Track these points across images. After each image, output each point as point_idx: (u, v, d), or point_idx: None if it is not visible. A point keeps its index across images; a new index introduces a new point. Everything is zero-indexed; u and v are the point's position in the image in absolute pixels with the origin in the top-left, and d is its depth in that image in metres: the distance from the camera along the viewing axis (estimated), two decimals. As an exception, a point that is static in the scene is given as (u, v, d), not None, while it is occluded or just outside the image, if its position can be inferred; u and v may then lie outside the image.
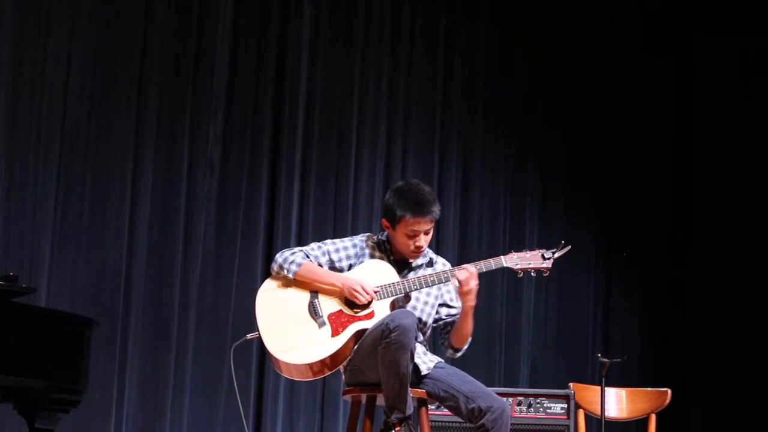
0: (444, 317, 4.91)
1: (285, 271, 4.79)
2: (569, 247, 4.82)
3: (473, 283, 4.70)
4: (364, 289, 4.70)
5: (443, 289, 4.90)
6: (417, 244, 4.78)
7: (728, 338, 8.03)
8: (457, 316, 4.88)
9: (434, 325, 4.93)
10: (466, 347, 4.91)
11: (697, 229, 8.37)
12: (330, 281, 4.77)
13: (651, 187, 8.40)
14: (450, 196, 7.83)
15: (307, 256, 4.82)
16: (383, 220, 4.84)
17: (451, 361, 5.07)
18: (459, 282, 4.70)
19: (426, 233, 4.79)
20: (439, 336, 4.95)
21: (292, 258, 4.80)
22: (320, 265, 4.83)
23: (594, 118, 8.34)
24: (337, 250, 4.88)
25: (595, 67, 8.35)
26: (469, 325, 4.81)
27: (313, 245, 4.91)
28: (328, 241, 4.95)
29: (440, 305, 4.91)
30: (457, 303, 4.89)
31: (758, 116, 8.10)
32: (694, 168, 8.45)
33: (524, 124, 8.21)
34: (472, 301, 4.74)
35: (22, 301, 4.66)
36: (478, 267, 4.75)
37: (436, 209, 4.77)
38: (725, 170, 8.24)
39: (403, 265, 4.87)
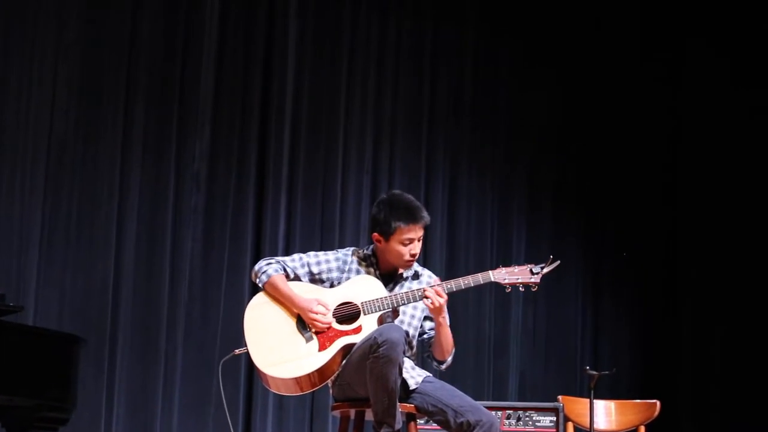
0: (428, 331, 4.90)
1: (257, 281, 4.82)
2: (558, 262, 4.81)
3: (437, 304, 4.68)
4: (320, 313, 4.69)
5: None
6: (413, 252, 4.80)
7: (718, 350, 8.05)
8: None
9: (420, 339, 4.91)
10: (450, 360, 4.88)
11: (687, 240, 8.39)
12: (289, 302, 4.76)
13: (640, 199, 8.42)
14: (437, 208, 7.83)
15: (284, 269, 4.82)
16: (374, 234, 4.82)
17: (440, 375, 5.06)
18: (430, 300, 4.68)
19: (419, 240, 4.81)
20: (425, 350, 4.92)
21: (266, 268, 4.81)
22: (298, 276, 4.83)
23: (581, 130, 8.36)
24: (318, 263, 4.87)
25: (582, 78, 8.38)
26: (444, 336, 4.79)
27: (294, 256, 4.90)
28: (312, 253, 4.93)
29: (424, 319, 4.90)
30: None
31: (746, 125, 8.13)
32: (682, 182, 8.47)
33: (511, 136, 8.22)
34: (440, 316, 4.73)
35: (9, 320, 4.64)
36: (448, 286, 4.73)
37: (426, 214, 4.82)
38: (714, 183, 8.27)
39: (389, 279, 4.86)
